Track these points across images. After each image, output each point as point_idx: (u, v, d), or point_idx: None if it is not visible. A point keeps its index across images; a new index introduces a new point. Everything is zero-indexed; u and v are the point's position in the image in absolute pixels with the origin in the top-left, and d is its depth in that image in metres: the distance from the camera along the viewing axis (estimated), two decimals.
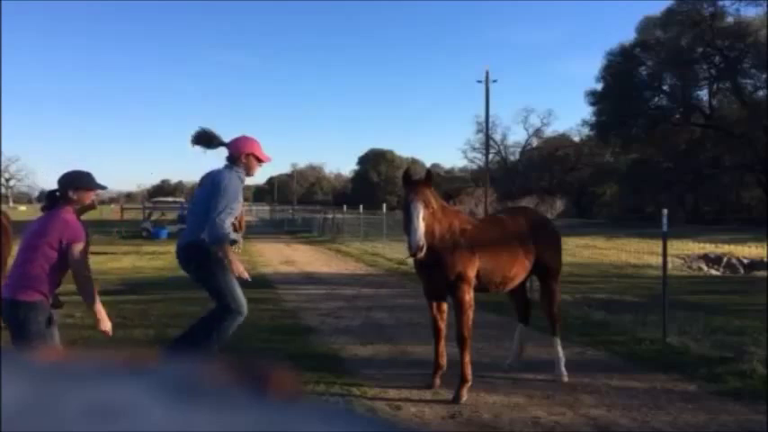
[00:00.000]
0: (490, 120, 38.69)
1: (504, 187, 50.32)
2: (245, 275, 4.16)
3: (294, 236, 29.14)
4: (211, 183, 4.15)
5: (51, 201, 3.93)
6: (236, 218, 4.26)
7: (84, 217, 4.02)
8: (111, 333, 4.02)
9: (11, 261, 4.21)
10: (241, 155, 4.22)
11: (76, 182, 3.92)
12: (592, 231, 26.30)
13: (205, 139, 4.34)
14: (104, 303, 4.08)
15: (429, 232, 4.62)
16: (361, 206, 23.63)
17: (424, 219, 4.57)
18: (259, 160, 4.35)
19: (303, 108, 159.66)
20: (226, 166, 4.27)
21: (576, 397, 4.91)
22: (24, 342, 3.69)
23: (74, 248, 3.79)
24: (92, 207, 4.07)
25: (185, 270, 4.20)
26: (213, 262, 4.00)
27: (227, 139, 4.37)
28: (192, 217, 4.24)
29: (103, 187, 4.09)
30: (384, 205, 21.75)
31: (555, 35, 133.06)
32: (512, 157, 65.05)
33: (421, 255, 4.53)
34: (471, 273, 4.96)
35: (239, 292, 4.10)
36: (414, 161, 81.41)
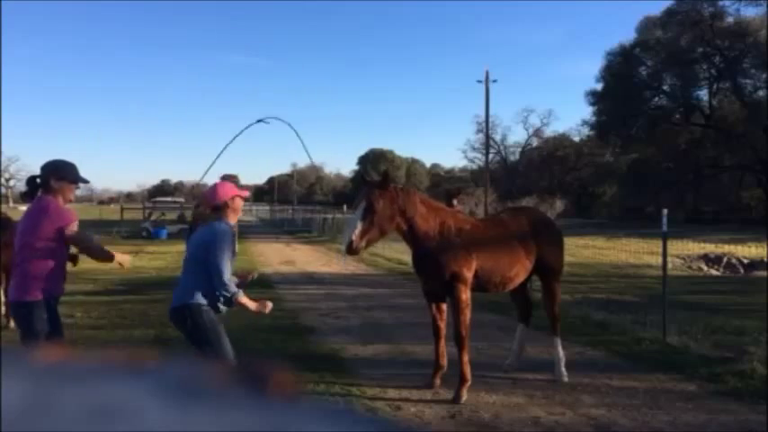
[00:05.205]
0: (490, 120, 38.67)
1: (504, 187, 50.31)
2: (270, 307, 4.13)
3: (294, 236, 29.13)
4: (202, 240, 4.02)
5: (32, 187, 3.85)
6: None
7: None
8: (129, 264, 4.27)
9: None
10: (227, 200, 4.15)
11: (60, 172, 3.84)
12: (592, 231, 26.30)
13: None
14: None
15: (380, 231, 4.80)
16: None
17: (363, 221, 4.70)
18: (242, 198, 4.32)
19: (303, 108, 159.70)
20: (212, 220, 4.15)
21: (576, 397, 4.91)
22: (31, 341, 3.70)
23: (69, 231, 3.77)
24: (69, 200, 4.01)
25: (179, 329, 4.11)
26: (207, 326, 3.92)
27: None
28: (184, 276, 4.14)
29: (86, 181, 4.00)
30: None
31: (555, 35, 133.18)
32: (512, 157, 65.06)
33: (354, 253, 4.79)
34: (467, 272, 4.94)
35: (230, 353, 4.03)
36: (414, 161, 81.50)
